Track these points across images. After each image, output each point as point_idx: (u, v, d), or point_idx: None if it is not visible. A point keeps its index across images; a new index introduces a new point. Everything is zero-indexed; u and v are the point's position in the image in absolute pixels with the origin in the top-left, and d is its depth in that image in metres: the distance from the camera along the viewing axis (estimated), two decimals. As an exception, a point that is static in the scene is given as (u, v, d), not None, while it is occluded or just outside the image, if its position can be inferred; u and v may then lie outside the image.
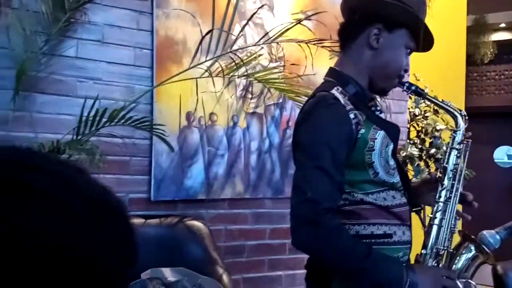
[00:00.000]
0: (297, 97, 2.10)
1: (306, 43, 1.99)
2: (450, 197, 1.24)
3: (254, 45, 2.11)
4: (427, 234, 1.23)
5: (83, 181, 0.38)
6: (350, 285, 1.15)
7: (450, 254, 1.23)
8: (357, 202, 1.15)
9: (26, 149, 0.38)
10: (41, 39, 1.75)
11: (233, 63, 1.97)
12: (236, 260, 2.28)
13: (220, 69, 2.00)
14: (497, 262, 1.74)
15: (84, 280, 0.34)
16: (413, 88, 1.27)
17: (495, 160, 5.82)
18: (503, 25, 5.33)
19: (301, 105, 2.03)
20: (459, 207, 1.26)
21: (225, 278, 1.93)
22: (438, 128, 2.83)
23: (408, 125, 2.87)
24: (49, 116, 1.88)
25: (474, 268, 1.24)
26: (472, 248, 1.25)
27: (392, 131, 1.19)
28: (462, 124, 1.26)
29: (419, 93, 1.28)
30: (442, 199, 1.23)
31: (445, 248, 1.22)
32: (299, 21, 1.93)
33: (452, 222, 1.23)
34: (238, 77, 2.07)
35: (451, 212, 1.23)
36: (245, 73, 2.05)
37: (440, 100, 1.30)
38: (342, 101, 1.14)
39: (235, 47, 2.04)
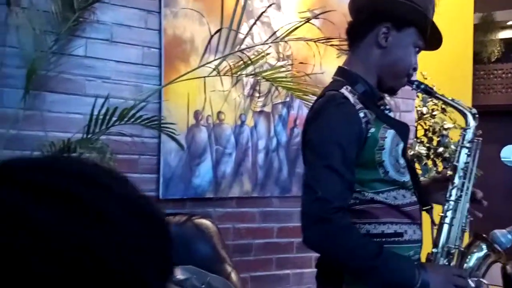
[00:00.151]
0: (304, 95, 2.10)
1: (314, 41, 1.99)
2: (460, 196, 1.23)
3: (263, 44, 2.11)
4: (438, 233, 1.23)
5: (124, 190, 0.38)
6: (361, 284, 1.15)
7: (461, 253, 1.23)
8: (367, 201, 1.15)
9: (66, 157, 0.38)
10: (51, 38, 1.76)
11: (241, 62, 1.97)
12: (243, 259, 2.28)
13: (228, 68, 2.01)
14: (507, 262, 1.74)
15: None
16: (422, 86, 1.27)
17: (502, 159, 5.79)
18: (510, 23, 5.30)
19: (309, 103, 2.05)
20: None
21: (233, 276, 1.93)
22: (445, 126, 2.82)
23: (416, 124, 2.86)
24: (59, 115, 1.89)
25: (485, 267, 1.24)
26: (484, 247, 1.24)
27: (402, 130, 1.19)
28: (472, 122, 1.26)
29: (429, 92, 1.28)
30: (452, 198, 1.23)
31: (457, 247, 1.22)
32: (307, 20, 1.93)
33: (463, 221, 1.23)
34: (246, 76, 2.07)
35: (461, 211, 1.23)
36: (253, 72, 2.05)
37: (450, 99, 1.29)
38: (351, 100, 1.14)
39: (242, 46, 2.05)
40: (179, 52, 2.12)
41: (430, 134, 2.88)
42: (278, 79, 2.08)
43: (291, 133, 2.40)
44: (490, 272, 1.30)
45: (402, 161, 1.18)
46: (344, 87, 1.16)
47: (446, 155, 2.75)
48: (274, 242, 2.39)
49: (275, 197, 2.39)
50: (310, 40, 2.04)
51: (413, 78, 1.27)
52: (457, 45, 3.58)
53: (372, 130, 1.13)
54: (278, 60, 2.32)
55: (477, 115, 1.27)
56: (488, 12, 5.07)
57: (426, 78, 2.78)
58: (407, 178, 1.19)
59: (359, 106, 1.14)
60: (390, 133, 1.15)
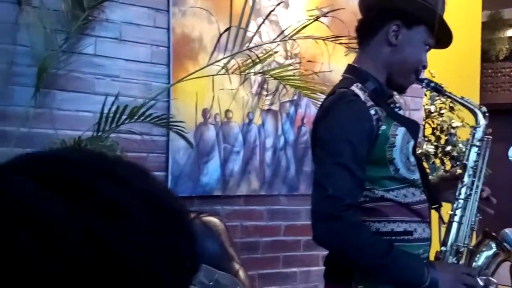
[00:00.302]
0: (312, 94, 2.10)
1: (323, 40, 1.99)
2: (470, 194, 1.23)
3: (271, 42, 2.11)
4: (447, 231, 1.23)
5: (143, 184, 0.36)
6: (371, 281, 1.15)
7: (470, 252, 1.23)
8: (377, 199, 1.15)
9: (83, 150, 0.38)
10: (61, 37, 1.78)
11: (249, 60, 1.98)
12: (251, 256, 2.29)
13: (236, 66, 2.01)
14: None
15: None
16: (432, 85, 1.27)
17: (510, 158, 5.75)
18: (518, 21, 5.26)
19: (316, 102, 2.05)
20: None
21: (241, 273, 1.94)
22: (453, 125, 2.81)
23: (423, 122, 2.85)
24: (68, 113, 1.91)
25: (494, 265, 1.24)
26: (493, 245, 1.24)
27: (413, 127, 1.20)
28: (482, 121, 1.25)
29: (439, 90, 1.28)
30: (462, 196, 1.23)
31: (465, 245, 1.21)
32: (316, 18, 1.93)
33: (473, 219, 1.23)
34: (254, 74, 2.08)
35: (471, 209, 1.23)
36: (261, 70, 2.06)
37: (460, 97, 1.29)
38: (362, 97, 1.14)
39: (251, 44, 2.05)
40: (188, 50, 2.13)
41: (438, 133, 2.88)
42: (286, 78, 2.09)
43: (298, 131, 2.40)
44: (499, 271, 1.30)
45: (412, 158, 1.18)
46: (355, 85, 1.16)
47: (454, 153, 2.74)
48: (282, 240, 2.40)
49: (282, 195, 2.39)
50: (319, 38, 2.03)
51: (421, 77, 1.27)
52: (465, 43, 3.56)
53: (383, 127, 1.13)
54: (286, 58, 2.32)
55: (487, 114, 1.26)
56: (496, 10, 5.03)
57: (434, 77, 2.77)
58: (417, 176, 1.20)
59: (369, 103, 1.14)
60: (401, 131, 1.15)
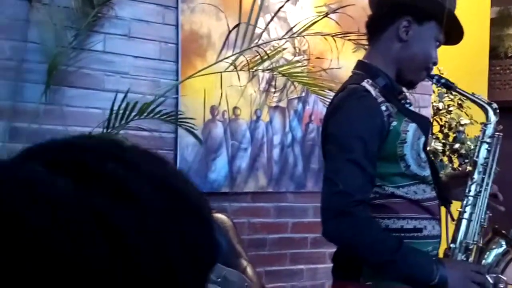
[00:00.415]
0: (320, 91, 2.10)
1: (332, 36, 1.99)
2: (480, 191, 1.23)
3: (280, 39, 2.11)
4: (456, 228, 1.23)
5: (157, 170, 0.36)
6: (379, 277, 1.15)
7: (480, 249, 1.23)
8: (387, 195, 1.15)
9: (109, 139, 0.38)
10: (71, 34, 1.79)
11: (258, 57, 1.98)
12: (258, 253, 2.29)
13: (244, 63, 2.01)
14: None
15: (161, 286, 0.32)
16: (442, 81, 1.27)
17: (518, 156, 5.70)
18: (527, 17, 5.21)
19: (324, 99, 2.04)
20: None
21: (249, 270, 1.95)
22: (462, 122, 2.80)
23: (431, 120, 2.84)
24: (78, 110, 1.92)
25: (504, 263, 1.24)
26: (503, 243, 1.24)
27: (424, 123, 1.19)
28: (493, 117, 1.25)
29: (449, 86, 1.28)
30: (472, 193, 1.23)
31: (475, 242, 1.21)
32: (326, 14, 1.93)
33: (482, 217, 1.22)
34: (262, 71, 2.08)
35: (481, 206, 1.22)
36: (269, 67, 2.06)
37: (470, 93, 1.29)
38: (373, 93, 1.14)
39: (259, 41, 2.05)
40: (196, 47, 2.13)
41: (446, 130, 2.86)
42: (294, 74, 2.09)
43: (306, 128, 2.40)
44: (508, 270, 1.29)
45: (423, 155, 1.18)
46: (365, 81, 1.16)
47: (462, 151, 2.73)
48: (289, 237, 2.40)
49: (290, 192, 2.39)
50: (328, 34, 2.03)
51: (431, 73, 1.26)
52: (473, 40, 3.53)
53: (394, 123, 1.13)
54: (295, 55, 2.31)
55: (497, 110, 1.26)
56: (504, 6, 4.99)
57: (442, 73, 2.76)
58: (427, 172, 1.19)
59: (380, 99, 1.14)
60: (412, 127, 1.15)
